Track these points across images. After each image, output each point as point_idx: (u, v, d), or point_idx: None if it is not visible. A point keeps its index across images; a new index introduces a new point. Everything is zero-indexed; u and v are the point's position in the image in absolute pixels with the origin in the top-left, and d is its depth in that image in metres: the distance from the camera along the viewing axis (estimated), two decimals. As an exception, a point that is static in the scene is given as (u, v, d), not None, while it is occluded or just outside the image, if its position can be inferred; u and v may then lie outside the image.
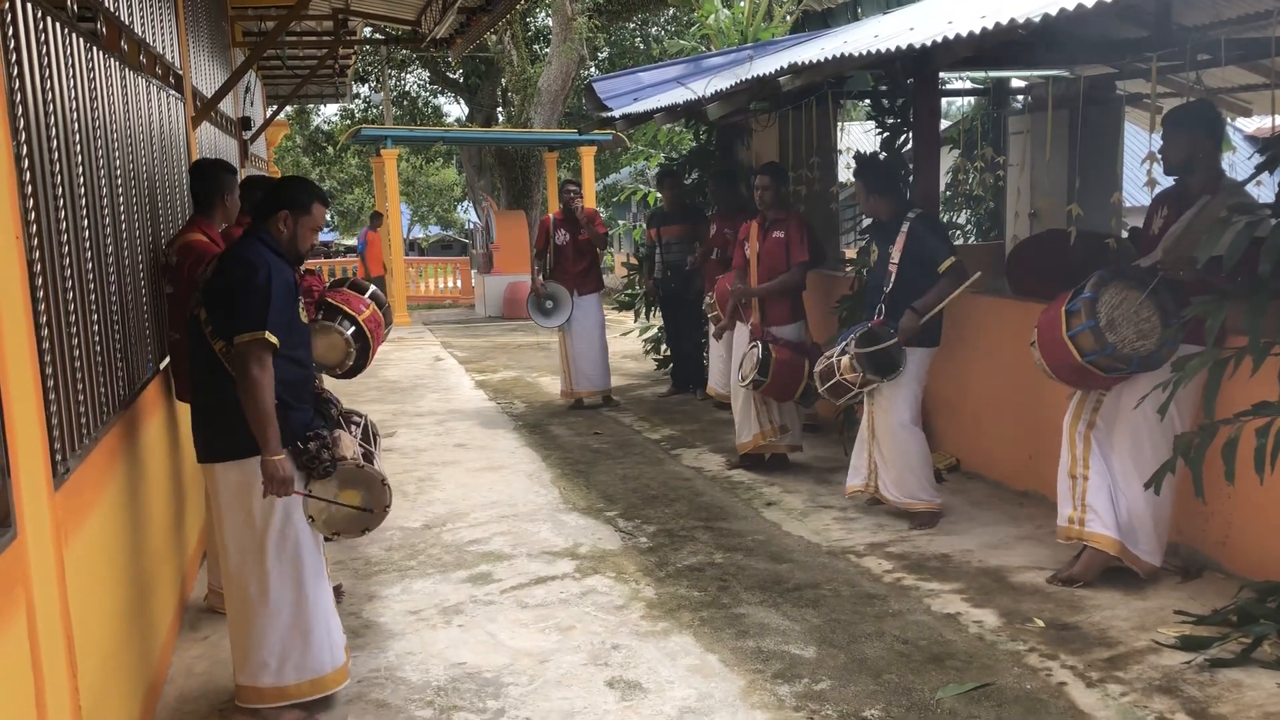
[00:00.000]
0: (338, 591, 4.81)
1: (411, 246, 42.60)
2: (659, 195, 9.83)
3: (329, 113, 33.51)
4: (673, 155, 10.75)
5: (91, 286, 3.52)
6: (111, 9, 4.21)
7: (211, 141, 7.61)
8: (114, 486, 3.59)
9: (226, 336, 3.53)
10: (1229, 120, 14.06)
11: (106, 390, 3.64)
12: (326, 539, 3.81)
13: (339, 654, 3.81)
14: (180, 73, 6.15)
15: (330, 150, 32.97)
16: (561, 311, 8.98)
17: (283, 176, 4.09)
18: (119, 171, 4.12)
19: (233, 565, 3.68)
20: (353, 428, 3.88)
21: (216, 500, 3.70)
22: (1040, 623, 4.30)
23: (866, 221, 7.89)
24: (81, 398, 3.26)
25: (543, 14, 24.11)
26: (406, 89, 28.87)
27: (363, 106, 29.12)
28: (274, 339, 3.49)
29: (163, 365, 4.78)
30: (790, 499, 6.24)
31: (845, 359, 5.54)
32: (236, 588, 3.69)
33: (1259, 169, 4.02)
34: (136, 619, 3.72)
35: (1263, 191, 4.55)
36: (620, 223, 22.26)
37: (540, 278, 9.09)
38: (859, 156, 6.45)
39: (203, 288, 3.70)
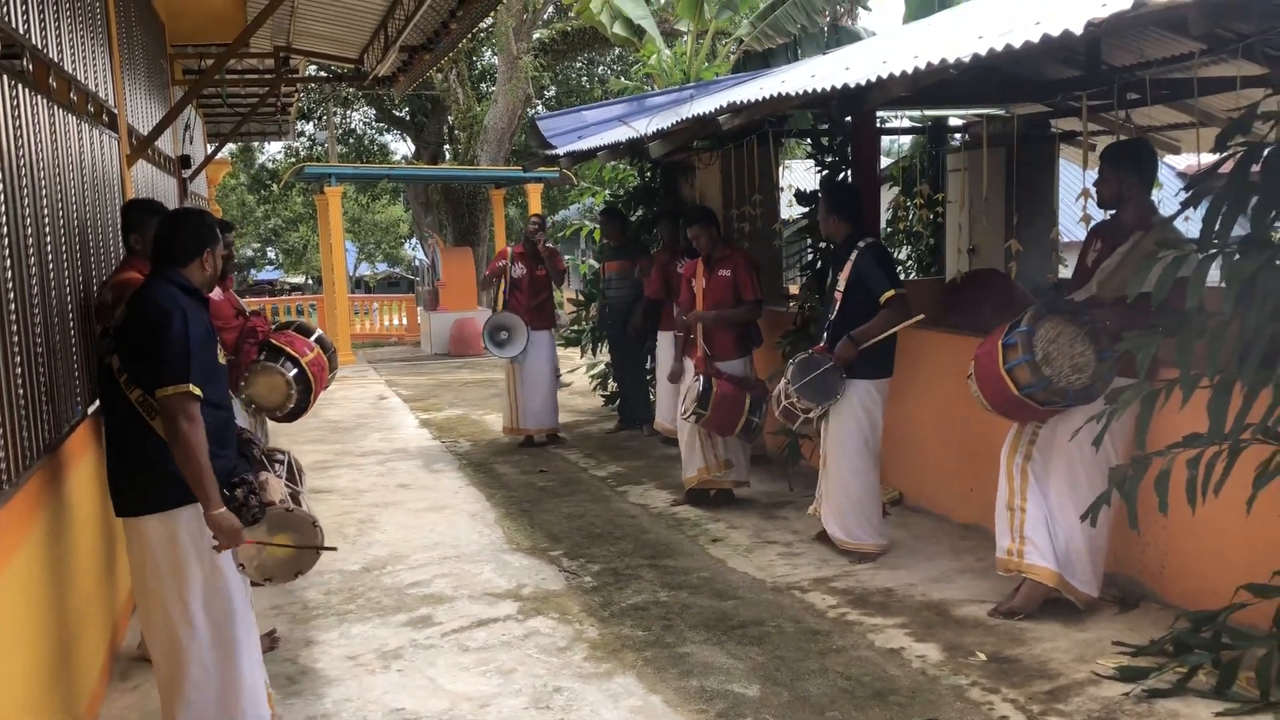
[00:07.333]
0: (272, 638, 4.71)
1: (358, 284, 42.36)
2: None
3: (274, 150, 33.34)
4: (619, 192, 10.81)
5: (15, 329, 3.43)
6: (39, 46, 4.14)
7: (149, 180, 7.50)
8: (37, 533, 3.48)
9: (144, 385, 3.42)
10: (1160, 158, 14.45)
11: (30, 434, 3.54)
12: (257, 584, 3.71)
13: (266, 711, 3.68)
14: (115, 110, 6.06)
15: (275, 188, 32.75)
16: (516, 342, 8.92)
17: (172, 214, 3.87)
18: (46, 211, 4.03)
19: (157, 623, 3.54)
20: (277, 466, 3.80)
21: (137, 555, 3.55)
22: (982, 656, 4.32)
23: (809, 256, 8.00)
24: (1, 443, 3.17)
25: (489, 52, 24.16)
26: (352, 126, 28.78)
27: (308, 144, 28.97)
28: (198, 391, 3.38)
29: (92, 408, 4.66)
30: (736, 535, 6.23)
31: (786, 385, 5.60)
32: (163, 647, 3.55)
33: (1183, 205, 4.10)
34: (61, 669, 3.60)
35: (1190, 226, 4.65)
36: (567, 258, 22.31)
37: (499, 307, 9.06)
38: (825, 179, 6.44)
39: (114, 335, 3.60)
